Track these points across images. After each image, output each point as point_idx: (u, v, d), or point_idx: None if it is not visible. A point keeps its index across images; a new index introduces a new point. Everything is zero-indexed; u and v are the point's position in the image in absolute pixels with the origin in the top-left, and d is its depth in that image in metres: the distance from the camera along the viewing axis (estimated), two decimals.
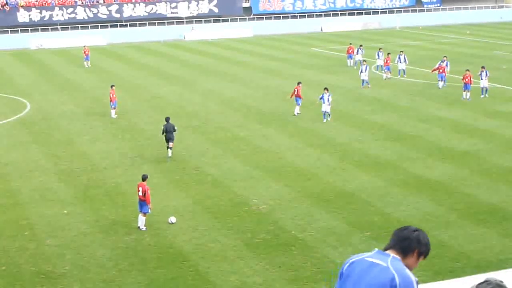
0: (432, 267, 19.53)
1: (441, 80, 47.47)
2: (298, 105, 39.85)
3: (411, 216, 23.48)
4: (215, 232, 22.51)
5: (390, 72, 51.38)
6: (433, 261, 19.89)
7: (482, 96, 43.71)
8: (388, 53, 53.20)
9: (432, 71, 49.25)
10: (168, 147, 31.57)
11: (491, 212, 23.85)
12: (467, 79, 42.70)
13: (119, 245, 21.55)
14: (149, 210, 22.78)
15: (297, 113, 39.67)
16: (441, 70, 47.69)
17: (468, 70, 43.38)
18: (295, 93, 40.01)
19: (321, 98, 38.13)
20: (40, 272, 19.85)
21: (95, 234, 22.52)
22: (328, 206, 24.73)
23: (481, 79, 43.83)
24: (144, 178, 23.02)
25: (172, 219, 23.27)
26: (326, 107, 37.93)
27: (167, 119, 32.18)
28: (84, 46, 64.09)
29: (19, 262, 20.53)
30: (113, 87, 40.41)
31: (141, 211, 22.73)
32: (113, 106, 40.05)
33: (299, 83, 40.97)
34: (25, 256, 20.92)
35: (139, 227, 22.70)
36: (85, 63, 61.81)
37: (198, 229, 22.78)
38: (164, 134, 31.59)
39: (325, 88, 38.69)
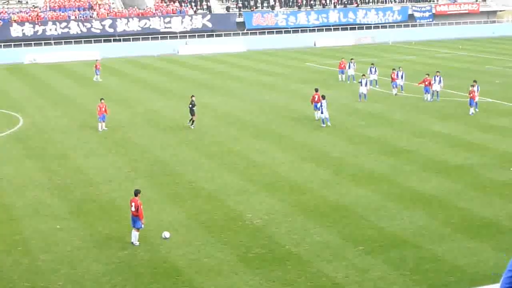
0: (426, 280, 19.54)
1: (427, 93, 47.78)
2: (318, 110, 41.82)
3: (405, 230, 23.49)
4: (209, 246, 22.45)
5: (396, 88, 51.21)
6: (427, 275, 19.89)
7: (477, 110, 43.81)
8: (393, 69, 53.06)
9: (419, 84, 49.41)
10: (190, 120, 40.59)
11: (485, 226, 23.87)
12: (471, 94, 42.80)
13: (114, 260, 21.46)
14: (142, 226, 22.70)
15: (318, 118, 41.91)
16: (426, 83, 47.94)
17: (473, 86, 43.38)
18: (315, 99, 41.72)
19: (320, 106, 40.37)
20: (34, 287, 19.74)
21: (89, 249, 22.43)
22: (323, 220, 24.71)
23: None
24: (136, 193, 22.94)
25: (166, 234, 23.19)
26: (325, 114, 39.90)
27: (191, 96, 41.23)
28: (97, 60, 64.29)
29: (13, 277, 20.40)
30: (102, 100, 40.48)
31: (134, 227, 22.65)
32: (101, 120, 40.05)
33: (316, 90, 42.68)
34: (19, 271, 20.79)
35: (132, 242, 22.62)
36: (95, 77, 61.88)
37: (193, 243, 22.71)
38: (189, 108, 40.83)
39: (323, 96, 40.37)
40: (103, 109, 40.08)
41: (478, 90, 43.85)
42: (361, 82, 48.62)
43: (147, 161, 33.47)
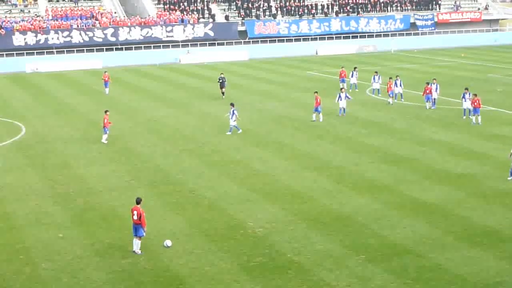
0: None
1: (428, 101, 47.80)
2: (319, 112, 44.61)
3: (407, 239, 23.49)
4: (211, 255, 22.47)
5: (392, 97, 50.93)
6: (429, 284, 19.88)
7: (464, 117, 43.87)
8: (390, 78, 52.69)
9: (423, 94, 49.16)
10: (221, 92, 54.59)
11: (487, 235, 23.86)
12: (475, 103, 42.71)
13: (115, 269, 21.48)
14: (144, 234, 22.72)
15: (321, 119, 44.61)
16: (428, 91, 47.95)
17: (476, 95, 43.32)
18: (317, 102, 44.56)
19: (231, 113, 41.62)
20: None
21: (91, 258, 22.45)
22: (324, 229, 24.72)
23: (464, 100, 43.99)
24: (138, 202, 22.95)
25: (168, 242, 23.23)
26: (232, 122, 41.33)
27: (221, 73, 55.76)
28: (105, 72, 61.63)
29: (15, 286, 20.43)
30: (107, 113, 40.00)
31: (136, 235, 22.66)
32: (105, 132, 39.64)
33: (316, 92, 45.94)
34: (21, 280, 20.83)
35: (134, 251, 22.63)
36: (105, 89, 59.43)
37: (194, 252, 22.74)
38: (219, 82, 54.96)
39: (231, 104, 41.90)
40: (107, 120, 39.32)
41: (470, 96, 43.59)
42: (340, 96, 46.88)
43: (149, 170, 33.50)
